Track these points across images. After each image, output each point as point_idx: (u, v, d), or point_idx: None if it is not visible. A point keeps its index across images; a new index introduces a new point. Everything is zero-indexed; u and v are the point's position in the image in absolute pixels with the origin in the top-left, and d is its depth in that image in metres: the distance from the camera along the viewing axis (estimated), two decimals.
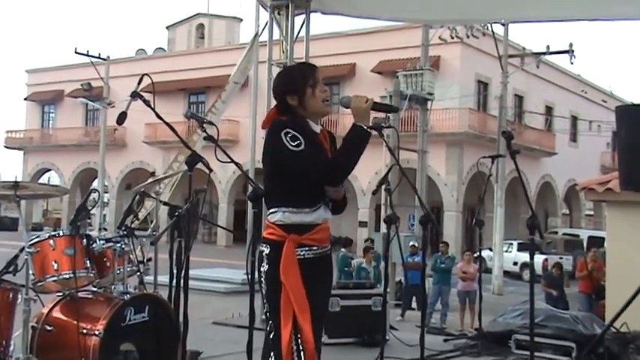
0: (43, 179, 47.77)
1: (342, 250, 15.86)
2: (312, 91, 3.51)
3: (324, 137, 3.61)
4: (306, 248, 3.46)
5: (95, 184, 41.19)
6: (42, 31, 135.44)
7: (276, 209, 3.47)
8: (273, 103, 3.75)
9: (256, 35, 11.99)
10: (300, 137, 3.37)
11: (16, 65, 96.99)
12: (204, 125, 4.71)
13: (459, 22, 20.50)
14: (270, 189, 3.56)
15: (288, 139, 3.36)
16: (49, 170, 50.04)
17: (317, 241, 3.49)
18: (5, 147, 50.77)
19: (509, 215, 29.11)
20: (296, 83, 3.53)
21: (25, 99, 51.03)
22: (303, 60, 10.28)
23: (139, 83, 4.61)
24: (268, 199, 3.57)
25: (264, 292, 3.52)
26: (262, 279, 3.51)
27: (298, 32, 10.84)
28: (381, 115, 3.84)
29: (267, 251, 3.48)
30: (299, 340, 3.36)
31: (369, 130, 3.39)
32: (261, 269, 3.51)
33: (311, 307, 3.37)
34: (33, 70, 51.76)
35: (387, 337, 7.93)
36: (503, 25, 24.04)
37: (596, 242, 28.07)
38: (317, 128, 3.57)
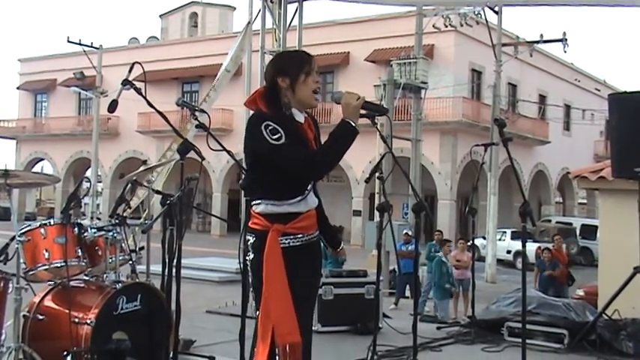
0: (36, 169, 47.63)
1: None
2: (305, 78, 3.45)
3: (309, 126, 3.55)
4: (291, 237, 3.42)
5: (88, 173, 41.10)
6: (34, 20, 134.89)
7: (259, 201, 3.45)
8: None
9: (249, 23, 11.95)
10: (280, 130, 3.32)
11: (9, 54, 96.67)
12: (196, 113, 4.71)
13: (452, 4, 20.48)
14: (252, 180, 3.55)
15: (268, 132, 3.31)
16: (42, 160, 49.94)
17: (302, 229, 3.46)
18: None
19: (503, 204, 29.16)
20: (291, 66, 3.47)
21: (18, 88, 50.84)
22: (296, 48, 10.25)
23: (130, 71, 4.59)
24: (251, 189, 3.55)
25: (250, 281, 3.51)
26: (248, 268, 3.50)
27: (291, 20, 10.82)
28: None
29: (252, 240, 3.46)
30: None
31: (356, 127, 3.35)
32: (247, 258, 3.50)
33: (296, 294, 3.34)
34: (25, 59, 51.54)
35: (381, 325, 7.96)
36: (496, 13, 24.01)
37: (590, 230, 28.27)
38: (301, 117, 3.51)
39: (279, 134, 3.31)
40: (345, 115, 3.37)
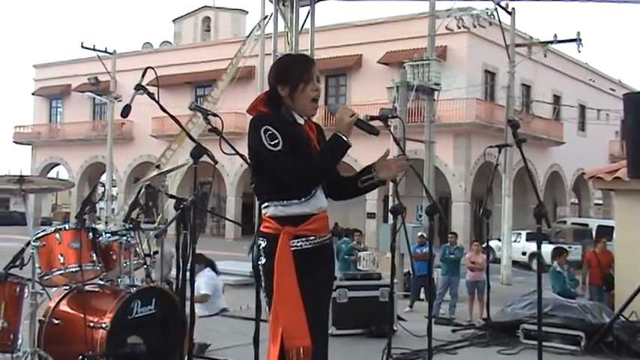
0: (52, 174, 47.92)
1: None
2: (304, 86, 3.47)
3: (310, 127, 3.57)
4: (303, 239, 3.42)
5: (103, 178, 41.28)
6: (49, 26, 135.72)
7: (268, 203, 3.45)
8: None
9: (257, 25, 11.98)
10: (278, 136, 3.33)
11: (24, 60, 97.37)
12: (209, 117, 4.71)
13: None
14: (258, 182, 3.55)
15: (266, 137, 3.33)
16: (58, 165, 50.19)
17: (314, 231, 3.46)
18: (13, 142, 50.98)
19: (518, 205, 29.05)
20: (290, 74, 3.49)
21: (33, 94, 51.15)
22: (308, 51, 10.27)
23: (143, 76, 4.60)
24: (259, 192, 3.55)
25: (263, 286, 3.50)
26: (261, 273, 3.49)
27: (303, 23, 10.83)
28: (388, 106, 3.83)
29: (263, 245, 3.46)
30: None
31: (347, 142, 3.37)
32: (259, 263, 3.49)
33: (310, 297, 3.34)
34: (40, 64, 51.85)
35: (395, 328, 7.93)
36: (509, 13, 23.94)
37: (606, 231, 28.07)
38: (301, 120, 3.54)
39: (277, 140, 3.33)
40: (337, 128, 3.40)
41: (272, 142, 3.33)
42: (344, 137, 3.37)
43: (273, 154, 3.33)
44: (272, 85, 3.54)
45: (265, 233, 3.47)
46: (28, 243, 5.05)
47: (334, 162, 3.43)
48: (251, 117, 3.53)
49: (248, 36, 12.10)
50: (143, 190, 6.01)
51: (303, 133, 3.50)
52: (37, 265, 4.98)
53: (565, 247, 15.64)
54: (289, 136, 3.37)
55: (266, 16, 11.92)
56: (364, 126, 3.50)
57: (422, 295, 15.38)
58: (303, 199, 3.42)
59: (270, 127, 3.36)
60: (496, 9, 22.96)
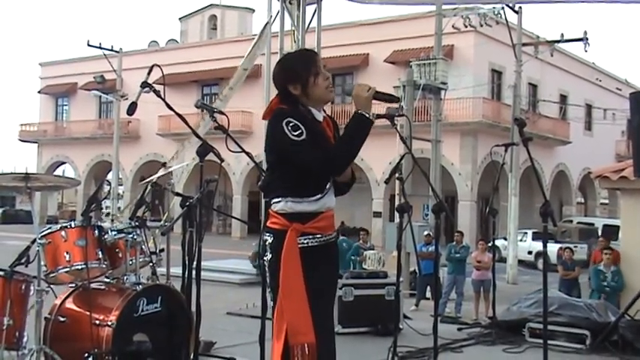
0: (58, 172, 47.92)
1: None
2: (315, 79, 3.45)
3: (327, 124, 3.57)
4: (310, 236, 3.42)
5: (109, 176, 41.34)
6: (55, 24, 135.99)
7: (279, 199, 3.44)
8: None
9: (267, 24, 11.98)
10: (301, 127, 3.33)
11: (30, 58, 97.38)
12: (215, 115, 4.72)
13: (470, 2, 20.43)
14: (272, 178, 3.54)
15: (289, 128, 3.32)
16: (64, 163, 50.23)
17: (321, 229, 3.46)
18: (19, 140, 51.01)
19: (524, 204, 28.98)
20: (298, 72, 3.47)
21: (39, 92, 51.20)
22: (304, 48, 10.26)
23: (149, 73, 4.61)
24: (270, 188, 3.54)
25: (268, 282, 3.50)
26: (266, 268, 3.49)
27: (309, 22, 10.83)
28: (395, 105, 3.81)
29: (270, 240, 3.46)
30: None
31: (370, 117, 3.35)
32: (265, 258, 3.49)
33: (314, 294, 3.34)
34: (46, 63, 51.88)
35: (401, 327, 7.94)
36: (516, 12, 23.89)
37: (611, 230, 28.00)
38: (319, 116, 3.53)
39: (300, 130, 3.33)
40: (357, 107, 3.39)
41: (295, 133, 3.32)
42: (365, 114, 3.36)
43: (298, 144, 3.31)
44: (281, 86, 3.52)
45: (272, 229, 3.46)
46: (34, 240, 5.06)
47: (360, 142, 3.38)
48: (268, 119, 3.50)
49: (260, 36, 12.04)
50: (149, 187, 6.02)
51: (322, 130, 3.50)
52: (42, 263, 4.99)
53: (571, 246, 15.57)
54: (309, 130, 3.37)
55: (272, 15, 11.91)
56: (384, 97, 3.47)
57: (428, 294, 15.35)
58: (316, 197, 3.42)
59: (292, 119, 3.35)
60: (503, 8, 22.90)
